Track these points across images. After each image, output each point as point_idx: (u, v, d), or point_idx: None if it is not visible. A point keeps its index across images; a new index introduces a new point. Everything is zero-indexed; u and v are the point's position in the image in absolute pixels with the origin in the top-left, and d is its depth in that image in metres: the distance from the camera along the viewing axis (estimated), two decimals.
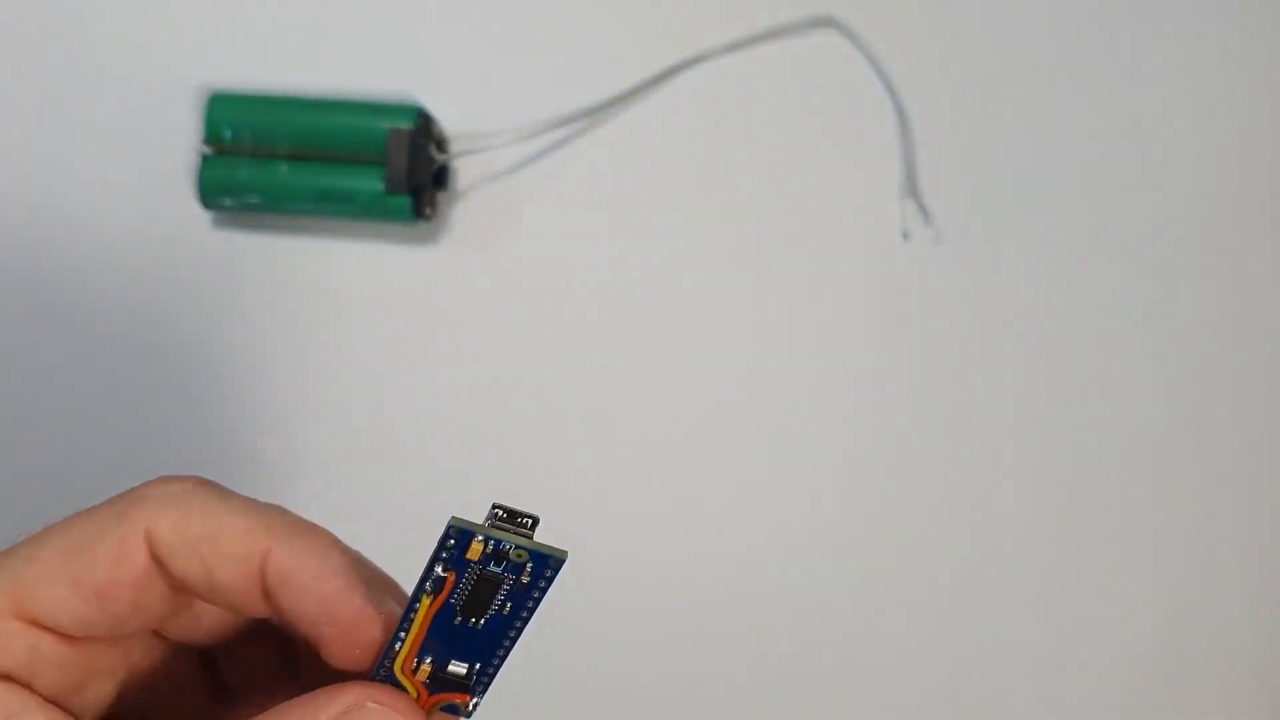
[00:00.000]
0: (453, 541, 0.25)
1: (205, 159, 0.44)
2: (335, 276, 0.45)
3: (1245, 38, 0.46)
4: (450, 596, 0.25)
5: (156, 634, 0.28)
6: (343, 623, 0.25)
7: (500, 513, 0.25)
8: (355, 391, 0.45)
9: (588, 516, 0.44)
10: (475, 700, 0.27)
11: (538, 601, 0.25)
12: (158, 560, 0.25)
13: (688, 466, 0.44)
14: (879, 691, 0.44)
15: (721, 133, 0.46)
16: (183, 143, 0.45)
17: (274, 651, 0.28)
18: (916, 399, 0.45)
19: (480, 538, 0.24)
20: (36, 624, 0.25)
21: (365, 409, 0.45)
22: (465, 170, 0.46)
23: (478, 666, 0.26)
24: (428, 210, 0.44)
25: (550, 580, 0.25)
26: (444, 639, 0.26)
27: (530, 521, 0.25)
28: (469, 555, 0.25)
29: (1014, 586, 0.44)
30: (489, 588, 0.25)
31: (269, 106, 0.44)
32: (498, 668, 0.26)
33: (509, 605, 0.25)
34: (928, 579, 0.44)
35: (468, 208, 0.46)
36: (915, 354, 0.45)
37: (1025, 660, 0.44)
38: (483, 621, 0.26)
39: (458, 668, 0.26)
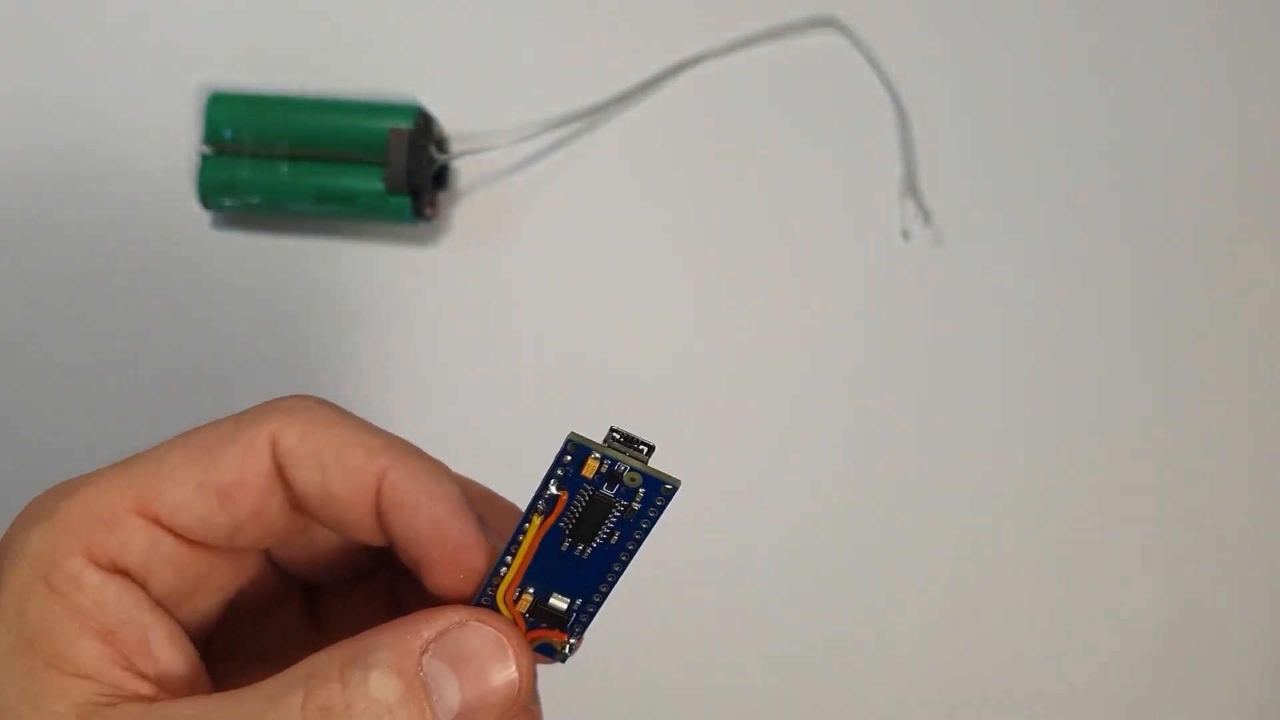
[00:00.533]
0: (569, 458, 0.24)
1: (205, 159, 0.44)
2: (335, 277, 0.45)
3: (1248, 38, 0.46)
4: (561, 518, 0.25)
5: (269, 559, 0.28)
6: (451, 545, 0.25)
7: (617, 436, 0.25)
8: (355, 391, 0.45)
9: None
10: (572, 641, 0.26)
11: (645, 532, 0.25)
12: (280, 469, 0.26)
13: (688, 466, 0.44)
14: (881, 692, 0.44)
15: (722, 133, 0.46)
16: (183, 143, 0.45)
17: (380, 595, 0.29)
18: (916, 399, 0.45)
19: (597, 455, 0.24)
20: (159, 523, 0.25)
21: (365, 409, 0.45)
22: (465, 170, 0.45)
23: (578, 603, 0.26)
24: (428, 210, 0.44)
25: (660, 509, 0.25)
26: (549, 567, 0.25)
27: (647, 449, 0.25)
28: (584, 473, 0.24)
29: (1015, 585, 0.44)
30: (600, 511, 0.25)
31: (269, 107, 0.44)
32: (598, 606, 0.26)
33: (617, 535, 0.25)
34: (928, 578, 0.44)
35: (468, 208, 0.46)
36: (915, 354, 0.45)
37: (1027, 660, 0.44)
38: (589, 551, 0.25)
39: (559, 601, 0.26)
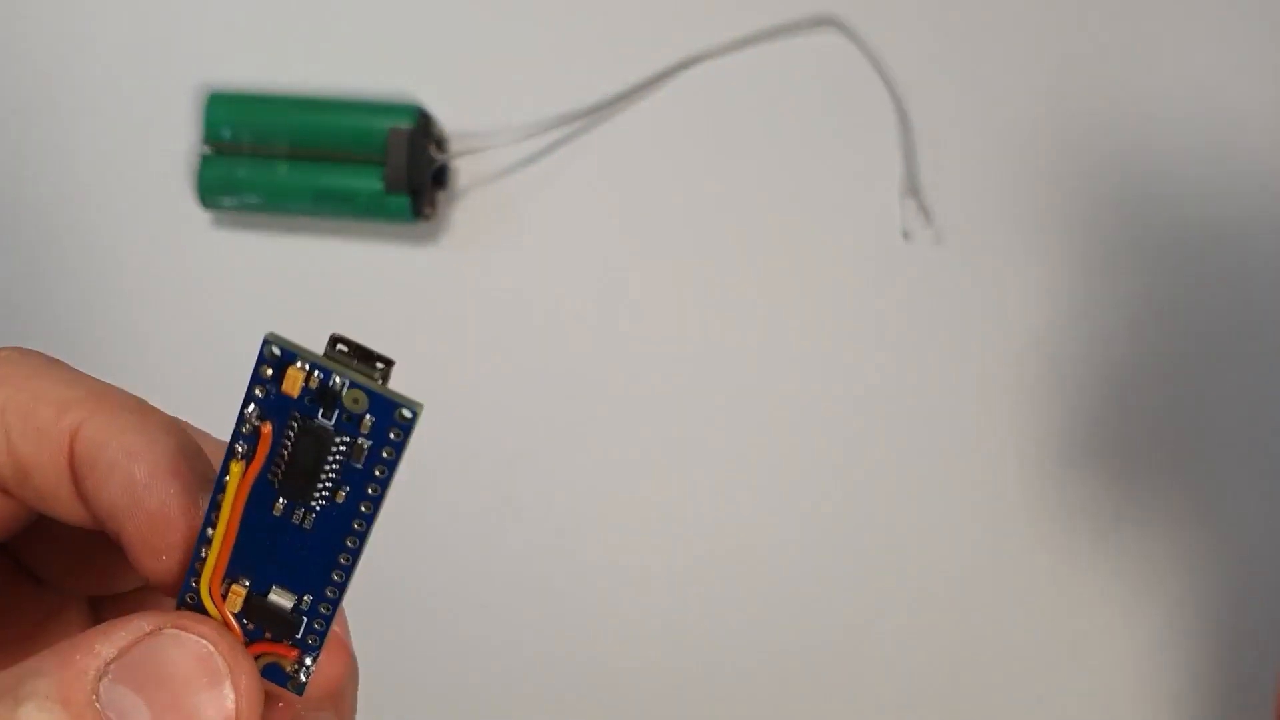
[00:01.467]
0: (268, 368, 0.18)
1: (204, 159, 0.44)
2: (334, 276, 0.45)
3: (1252, 38, 0.46)
4: (267, 466, 0.18)
5: (14, 563, 0.23)
6: (145, 514, 0.19)
7: (342, 347, 0.18)
8: None
9: (587, 517, 0.44)
10: (307, 662, 0.20)
11: (382, 485, 0.18)
12: None
13: (688, 466, 0.44)
14: (878, 691, 0.44)
15: (722, 132, 0.46)
16: (182, 142, 0.45)
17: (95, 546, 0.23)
18: (917, 398, 0.45)
19: (302, 364, 0.18)
20: None
21: None
22: (465, 170, 0.45)
23: (308, 600, 0.19)
24: (427, 210, 0.44)
25: (397, 449, 0.18)
26: (263, 545, 0.19)
27: (383, 364, 0.18)
28: (286, 389, 0.18)
29: (1015, 586, 0.44)
30: (314, 450, 0.18)
31: (268, 106, 0.44)
32: (334, 604, 0.19)
33: (344, 490, 0.18)
34: (928, 578, 0.44)
35: (468, 207, 0.46)
36: (916, 354, 0.45)
37: (1027, 662, 0.44)
38: (312, 516, 0.19)
39: (281, 597, 0.19)
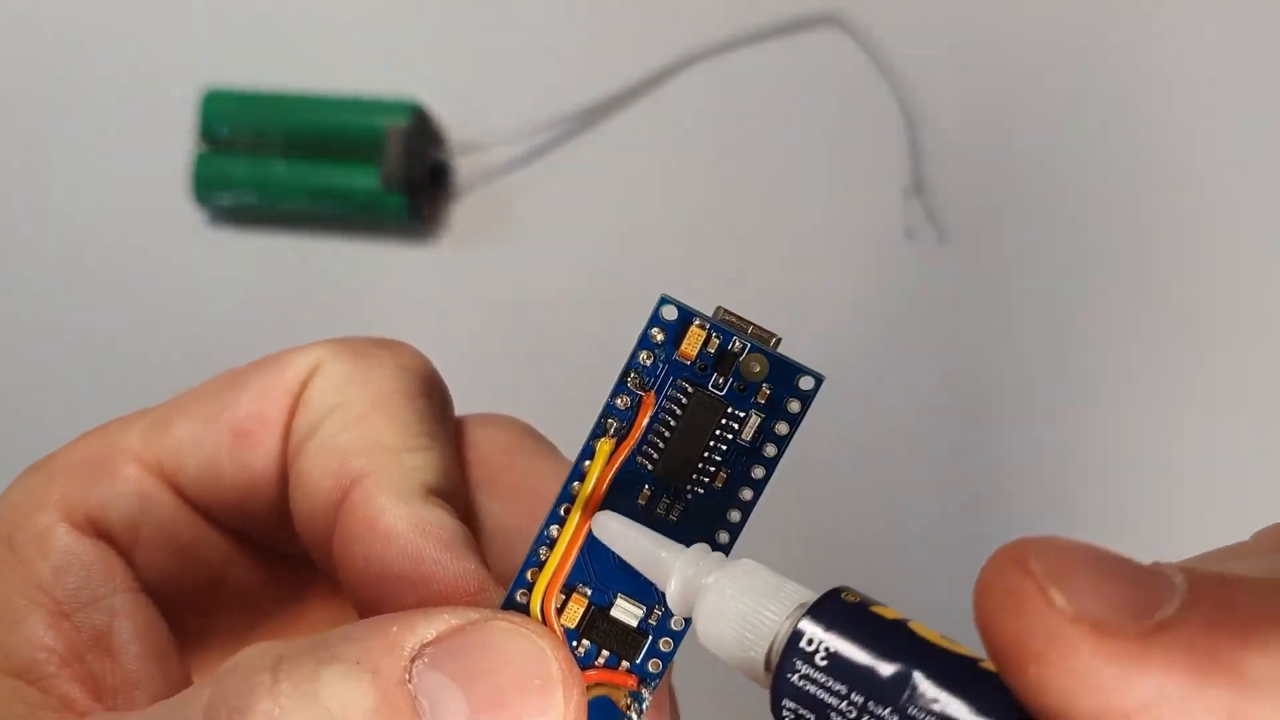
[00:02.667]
0: (659, 331, 0.16)
1: (200, 156, 0.44)
2: (331, 275, 0.45)
3: (1257, 38, 0.46)
4: (641, 444, 0.16)
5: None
6: (430, 592, 0.17)
7: (730, 316, 0.17)
8: None
9: None
10: (645, 695, 0.16)
11: (769, 468, 0.17)
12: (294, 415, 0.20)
13: None
14: None
15: (723, 131, 0.45)
16: (178, 139, 0.45)
17: None
18: (918, 399, 0.44)
19: (702, 323, 0.16)
20: (160, 473, 0.20)
21: None
22: (464, 169, 0.45)
23: (657, 615, 0.16)
24: (425, 209, 0.44)
25: (794, 422, 0.17)
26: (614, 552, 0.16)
27: (773, 339, 0.17)
28: (684, 351, 0.16)
29: None
30: (702, 424, 0.16)
31: (265, 104, 0.44)
32: (688, 620, 0.16)
33: (725, 473, 0.16)
34: (930, 579, 0.44)
35: (465, 206, 0.45)
36: (917, 354, 0.45)
37: None
38: (679, 507, 0.16)
39: (628, 611, 0.16)
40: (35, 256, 0.45)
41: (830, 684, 0.15)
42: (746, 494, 0.17)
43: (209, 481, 0.20)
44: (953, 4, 0.46)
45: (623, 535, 0.16)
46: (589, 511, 0.16)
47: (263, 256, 0.45)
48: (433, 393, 0.22)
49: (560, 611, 0.16)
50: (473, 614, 0.16)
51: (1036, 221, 0.45)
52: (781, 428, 0.17)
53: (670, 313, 0.16)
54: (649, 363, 0.16)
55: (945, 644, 0.15)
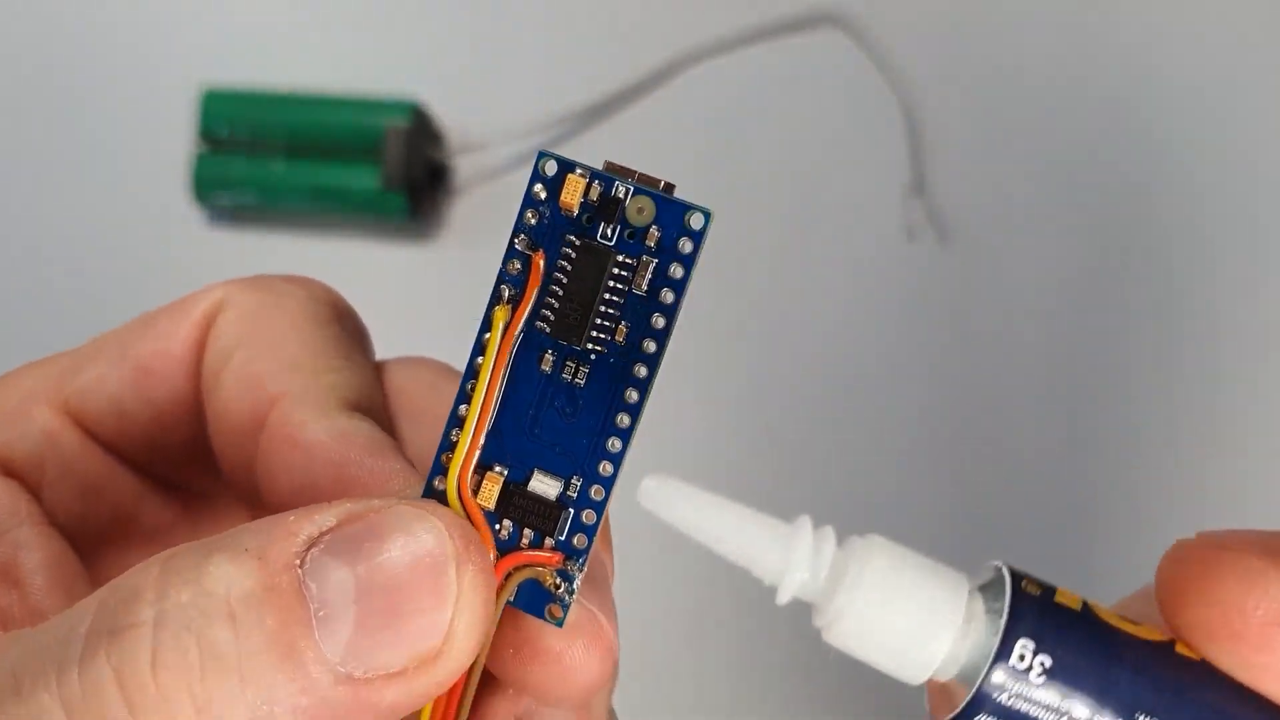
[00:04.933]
0: (541, 187, 0.16)
1: (200, 156, 0.44)
2: (331, 275, 0.45)
3: (1258, 37, 0.46)
4: (538, 304, 0.16)
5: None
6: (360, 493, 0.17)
7: (614, 164, 0.17)
8: None
9: None
10: (574, 575, 0.16)
11: (669, 315, 0.16)
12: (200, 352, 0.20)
13: (687, 468, 0.44)
14: None
15: (723, 131, 0.45)
16: (178, 139, 0.45)
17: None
18: (918, 398, 0.44)
19: (582, 171, 0.16)
20: (68, 411, 0.20)
21: None
22: (464, 169, 0.45)
23: (576, 485, 0.16)
24: (425, 209, 0.44)
25: (688, 264, 0.16)
26: (525, 416, 0.16)
27: (663, 184, 0.16)
28: (564, 201, 0.16)
29: None
30: (594, 275, 0.15)
31: (265, 103, 0.44)
32: (608, 485, 0.16)
33: (625, 325, 0.16)
34: None
35: (465, 206, 0.45)
36: (918, 353, 0.45)
37: None
38: (585, 369, 0.16)
39: (545, 484, 0.16)
40: (35, 256, 0.45)
41: (1048, 700, 0.15)
42: (650, 345, 0.16)
43: (115, 420, 0.20)
44: (953, 4, 0.46)
45: (695, 499, 0.16)
46: (494, 384, 0.16)
47: (262, 256, 0.45)
48: (345, 321, 0.22)
49: (477, 492, 0.16)
50: (376, 501, 0.15)
51: (1037, 221, 0.45)
52: (676, 270, 0.16)
53: (551, 167, 0.16)
54: (535, 222, 0.16)
55: (1136, 631, 0.16)
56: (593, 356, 0.16)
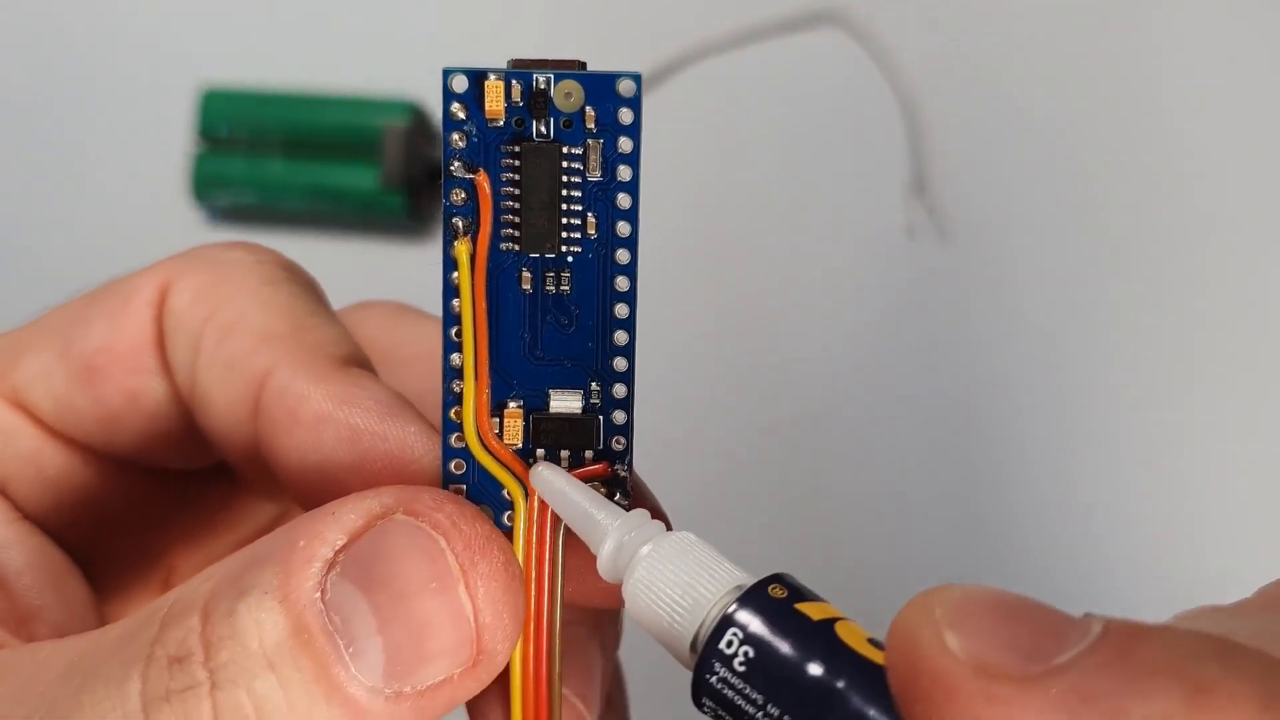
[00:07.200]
0: (457, 105, 0.15)
1: (199, 155, 0.44)
2: (329, 274, 0.45)
3: (1258, 37, 0.46)
4: (497, 225, 0.15)
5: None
6: (380, 462, 0.16)
7: (522, 59, 0.15)
8: None
9: None
10: (622, 471, 0.16)
11: (633, 191, 0.15)
12: (162, 339, 0.19)
13: (687, 468, 0.44)
14: None
15: (724, 130, 0.45)
16: (177, 139, 0.45)
17: None
18: (918, 396, 0.44)
19: (496, 75, 0.15)
20: (18, 404, 0.19)
21: None
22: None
23: (596, 390, 0.16)
24: (424, 209, 0.44)
25: (634, 133, 0.15)
26: (520, 342, 0.15)
27: (576, 63, 0.15)
28: (489, 110, 0.15)
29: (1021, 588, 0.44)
30: (548, 175, 0.15)
31: (264, 103, 0.44)
32: (628, 381, 0.16)
33: (593, 215, 0.15)
34: (928, 578, 0.44)
35: None
36: (918, 352, 0.45)
37: None
38: (567, 274, 0.15)
39: (564, 400, 0.16)
40: (34, 256, 0.45)
41: (747, 691, 0.15)
42: (625, 228, 0.15)
43: (66, 414, 0.19)
44: (953, 3, 0.46)
45: (558, 491, 0.16)
46: (481, 321, 0.15)
47: None
48: (299, 278, 0.20)
49: (502, 434, 0.16)
50: (374, 506, 0.15)
51: (1037, 220, 0.45)
52: (625, 144, 0.15)
53: (460, 82, 0.15)
54: (463, 143, 0.15)
55: (869, 653, 0.15)
56: (570, 259, 0.15)
